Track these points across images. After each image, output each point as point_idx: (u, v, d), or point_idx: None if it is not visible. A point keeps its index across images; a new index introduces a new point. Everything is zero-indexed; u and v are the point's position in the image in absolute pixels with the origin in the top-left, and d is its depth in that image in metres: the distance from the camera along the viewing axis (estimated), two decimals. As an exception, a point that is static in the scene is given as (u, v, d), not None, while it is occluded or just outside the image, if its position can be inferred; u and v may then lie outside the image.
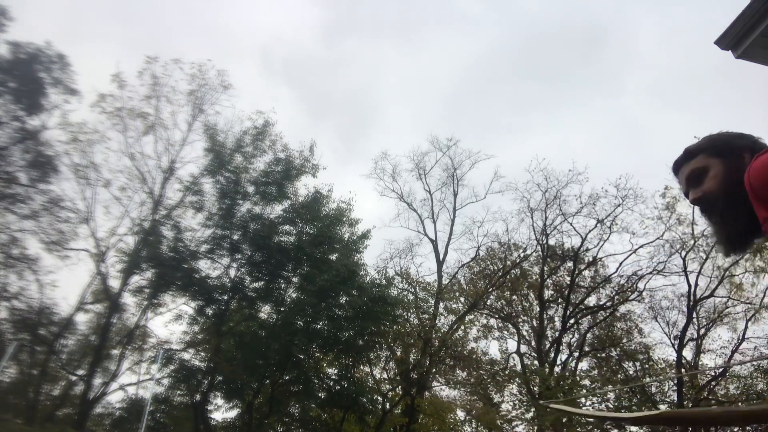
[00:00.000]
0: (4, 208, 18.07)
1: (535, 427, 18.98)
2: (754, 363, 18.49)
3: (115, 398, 20.31)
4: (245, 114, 33.01)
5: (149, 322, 20.75)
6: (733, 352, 19.54)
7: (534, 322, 21.67)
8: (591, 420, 19.52)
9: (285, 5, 71.54)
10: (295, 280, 19.40)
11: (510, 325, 22.09)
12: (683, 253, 19.39)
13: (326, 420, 19.60)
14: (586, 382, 19.81)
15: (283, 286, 19.26)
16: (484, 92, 62.26)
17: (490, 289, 21.72)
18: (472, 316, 21.77)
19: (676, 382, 19.03)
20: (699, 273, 19.34)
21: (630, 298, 21.09)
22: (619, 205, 20.03)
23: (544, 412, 17.00)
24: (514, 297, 22.57)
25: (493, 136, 54.91)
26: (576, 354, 21.64)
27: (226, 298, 18.52)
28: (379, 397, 20.08)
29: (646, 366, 20.42)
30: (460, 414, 23.98)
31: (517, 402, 20.90)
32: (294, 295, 19.30)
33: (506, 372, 21.21)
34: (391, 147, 74.08)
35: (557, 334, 21.17)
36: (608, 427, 19.98)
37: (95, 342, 19.48)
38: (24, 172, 18.60)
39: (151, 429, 18.28)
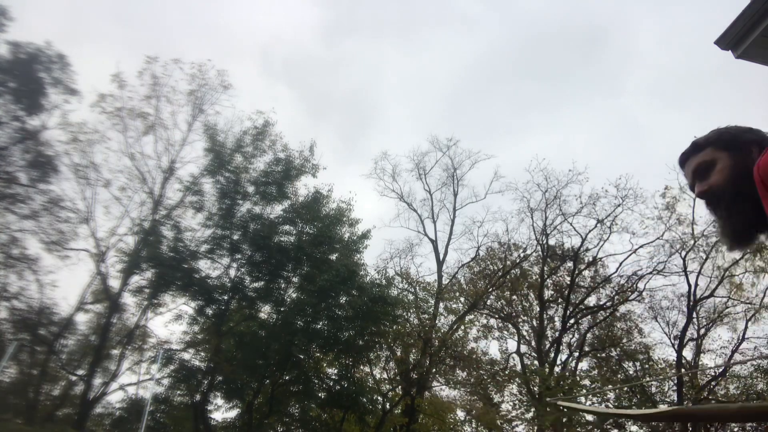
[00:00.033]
0: (4, 208, 18.09)
1: (535, 427, 18.99)
2: (754, 363, 18.51)
3: (115, 398, 20.34)
4: (245, 114, 33.01)
5: (149, 322, 20.79)
6: (733, 352, 19.56)
7: (534, 322, 21.67)
8: (595, 418, 19.52)
9: (285, 5, 71.56)
10: (295, 280, 19.40)
11: (510, 325, 22.10)
12: (683, 253, 19.42)
13: (326, 420, 19.60)
14: (586, 382, 19.83)
15: (283, 286, 19.27)
16: (484, 92, 62.28)
17: (490, 289, 21.72)
18: (472, 316, 21.78)
19: (676, 381, 19.05)
20: (699, 273, 19.38)
21: (630, 298, 21.10)
22: (619, 205, 20.06)
23: (544, 412, 17.01)
24: (514, 297, 22.58)
25: (493, 136, 54.92)
26: (576, 354, 21.66)
27: (226, 298, 18.52)
28: (379, 397, 20.09)
29: (646, 366, 20.43)
30: (460, 414, 24.02)
31: (517, 402, 20.91)
32: (294, 295, 19.31)
33: (506, 372, 21.22)
34: (391, 147, 74.12)
35: (557, 334, 21.19)
36: (608, 427, 19.99)
37: (95, 342, 19.48)
38: (24, 172, 18.62)
39: (151, 429, 18.28)
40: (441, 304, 21.42)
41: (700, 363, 19.77)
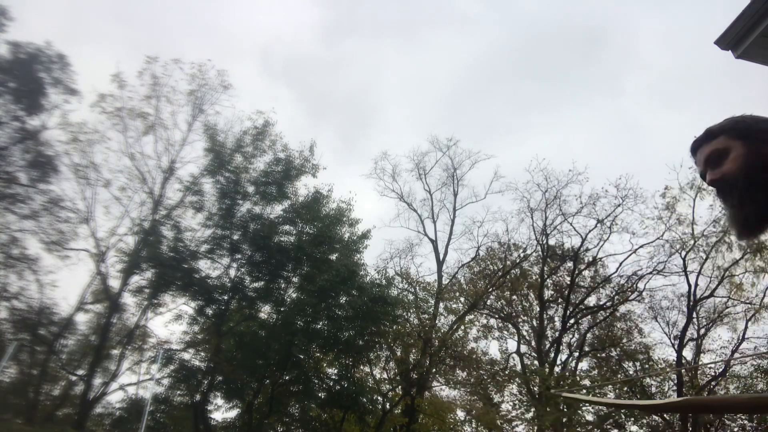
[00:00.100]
0: (4, 208, 18.09)
1: (535, 427, 18.99)
2: (754, 363, 18.51)
3: (115, 398, 20.34)
4: (245, 114, 32.99)
5: (149, 322, 20.79)
6: (733, 352, 19.55)
7: (534, 322, 21.68)
8: (595, 418, 19.52)
9: (285, 5, 71.56)
10: (295, 280, 19.40)
11: (510, 325, 22.10)
12: (683, 253, 19.42)
13: (326, 420, 19.60)
14: (586, 382, 19.83)
15: (283, 286, 19.27)
16: (484, 92, 62.29)
17: (490, 289, 21.72)
18: (472, 316, 21.77)
19: (676, 381, 19.05)
20: (699, 273, 19.38)
21: (630, 298, 21.10)
22: (619, 205, 20.07)
23: (544, 412, 17.01)
24: (514, 297, 22.58)
25: (493, 136, 54.93)
26: (576, 354, 21.66)
27: (226, 298, 18.52)
28: (379, 397, 20.09)
29: (646, 366, 20.43)
30: (460, 414, 24.01)
31: (517, 402, 20.92)
32: (294, 295, 19.31)
33: (506, 372, 21.22)
34: (391, 147, 74.09)
35: (557, 334, 21.19)
36: (608, 427, 19.99)
37: (95, 342, 19.48)
38: (24, 172, 18.62)
39: (151, 429, 18.28)
40: (441, 304, 21.42)
41: (700, 363, 19.77)
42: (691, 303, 19.54)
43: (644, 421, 20.06)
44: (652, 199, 20.58)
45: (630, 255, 20.22)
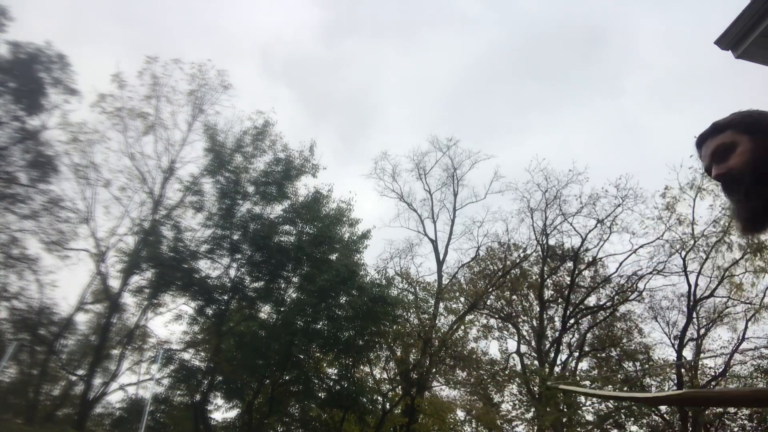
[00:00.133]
0: (4, 208, 18.08)
1: (535, 427, 18.99)
2: (754, 363, 18.51)
3: (115, 398, 20.34)
4: (245, 114, 33.02)
5: (149, 322, 20.79)
6: (733, 352, 19.55)
7: (534, 322, 21.67)
8: (595, 417, 19.51)
9: (285, 5, 71.57)
10: (295, 280, 19.40)
11: (510, 325, 22.09)
12: (683, 253, 19.40)
13: (326, 420, 19.60)
14: (586, 382, 19.82)
15: (283, 286, 19.27)
16: (484, 92, 62.31)
17: (490, 289, 21.72)
18: (472, 316, 21.77)
19: (676, 381, 19.04)
20: (699, 273, 19.36)
21: (630, 298, 21.09)
22: (619, 205, 20.06)
23: (544, 412, 17.01)
24: (514, 297, 22.57)
25: (493, 136, 54.94)
26: (576, 354, 21.65)
27: (226, 298, 18.52)
28: (379, 397, 20.08)
29: (646, 366, 20.43)
30: (460, 414, 24.01)
31: (517, 402, 20.91)
32: (294, 295, 19.30)
33: (506, 372, 21.21)
34: (391, 147, 74.09)
35: (557, 334, 21.18)
36: (608, 427, 19.99)
37: (95, 342, 19.47)
38: (24, 172, 18.63)
39: (151, 429, 18.27)
40: (441, 304, 21.42)
41: (700, 363, 19.76)
42: (691, 303, 19.54)
43: (644, 421, 20.06)
44: (652, 199, 20.59)
45: (630, 255, 20.24)
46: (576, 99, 58.81)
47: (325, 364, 20.43)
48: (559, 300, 21.87)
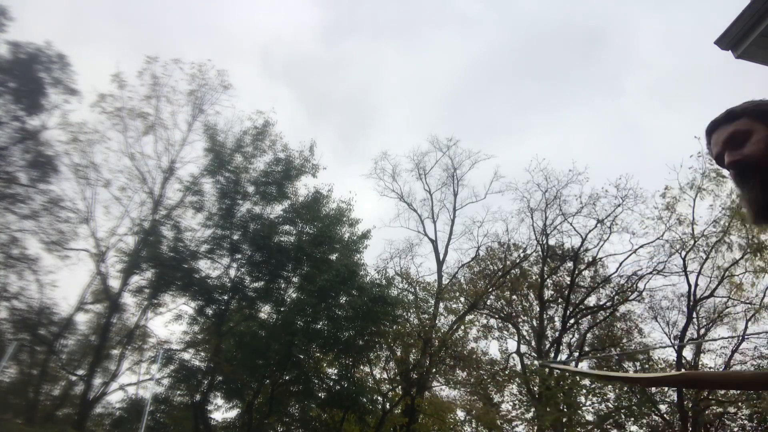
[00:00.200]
0: (4, 208, 18.08)
1: (535, 427, 18.99)
2: (754, 363, 18.49)
3: (115, 398, 20.30)
4: (245, 114, 32.94)
5: (149, 322, 20.76)
6: (733, 352, 19.55)
7: (534, 322, 21.67)
8: (595, 417, 19.49)
9: (285, 6, 71.59)
10: (295, 280, 19.40)
11: (510, 325, 22.10)
12: (683, 253, 19.40)
13: (326, 420, 19.60)
14: (586, 382, 19.81)
15: (283, 286, 19.27)
16: (484, 92, 62.34)
17: (490, 289, 21.72)
18: (472, 316, 21.77)
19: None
20: (699, 273, 19.36)
21: (630, 298, 21.10)
22: (619, 205, 20.07)
23: (544, 412, 17.00)
24: (514, 297, 22.58)
25: (492, 136, 54.96)
26: (576, 354, 21.64)
27: (226, 298, 18.52)
28: (379, 397, 20.08)
29: (646, 366, 20.42)
30: (460, 414, 24.00)
31: (517, 402, 20.91)
32: (294, 295, 19.30)
33: (506, 372, 21.22)
34: (391, 147, 74.09)
35: (557, 334, 21.19)
36: (608, 427, 19.98)
37: (95, 342, 19.46)
38: (24, 172, 18.61)
39: (151, 429, 18.27)
40: (441, 304, 21.42)
41: (700, 363, 19.76)
42: (691, 303, 19.54)
43: (644, 421, 20.06)
44: (652, 199, 20.58)
45: (630, 255, 20.24)
46: (576, 99, 58.86)
47: (325, 364, 20.43)
48: (559, 300, 21.88)
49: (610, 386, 20.09)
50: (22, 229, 18.56)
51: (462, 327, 21.20)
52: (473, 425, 23.61)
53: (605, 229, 20.48)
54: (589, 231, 20.67)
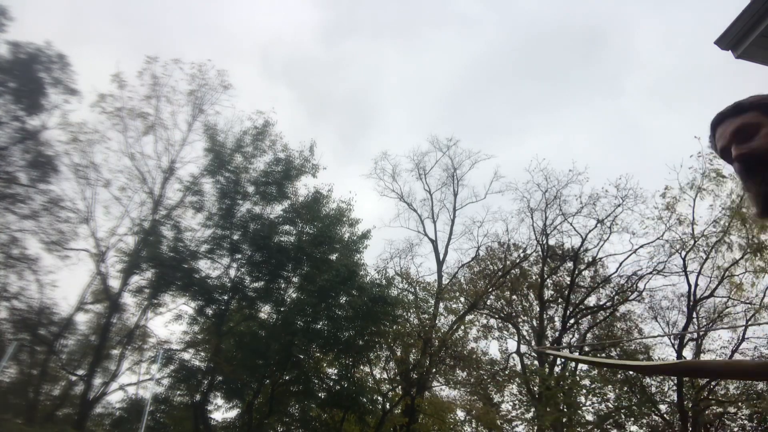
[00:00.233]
0: (4, 208, 18.07)
1: (535, 427, 18.99)
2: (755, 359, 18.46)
3: (115, 398, 20.30)
4: (245, 114, 32.93)
5: (149, 322, 20.75)
6: (733, 352, 19.55)
7: (534, 322, 21.68)
8: (595, 417, 19.48)
9: (285, 6, 71.59)
10: (295, 280, 19.40)
11: (510, 325, 22.10)
12: (683, 253, 19.41)
13: (326, 420, 19.60)
14: (586, 381, 19.83)
15: (283, 286, 19.27)
16: (484, 92, 62.34)
17: (490, 289, 21.72)
18: (472, 316, 21.78)
19: (676, 381, 19.03)
20: (699, 273, 19.37)
21: (630, 298, 21.11)
22: (619, 205, 20.08)
23: (544, 412, 16.99)
24: (514, 297, 22.58)
25: (492, 136, 54.98)
26: (576, 354, 21.65)
27: (226, 298, 18.52)
28: (379, 397, 20.08)
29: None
30: (460, 414, 23.99)
31: (517, 402, 20.91)
32: (294, 295, 19.31)
33: (506, 372, 21.22)
34: (391, 147, 74.08)
35: (557, 334, 21.19)
36: (608, 427, 19.98)
37: (95, 342, 19.47)
38: (24, 172, 18.61)
39: (151, 429, 18.27)
40: (441, 304, 21.42)
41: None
42: (691, 303, 19.54)
43: (644, 421, 20.06)
44: (652, 199, 20.58)
45: (630, 255, 20.25)
46: (576, 99, 58.88)
47: (325, 364, 20.44)
48: (559, 300, 21.88)
49: (610, 386, 20.09)
50: (22, 229, 18.57)
51: (462, 327, 21.21)
52: (473, 425, 23.60)
53: (605, 229, 20.51)
54: (589, 231, 20.71)
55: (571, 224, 20.93)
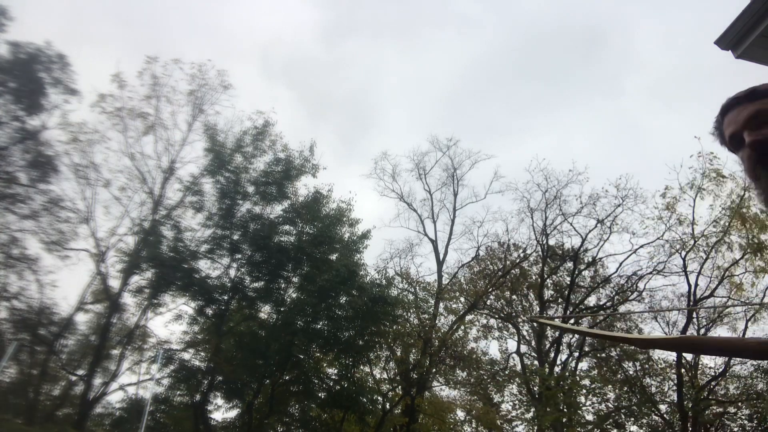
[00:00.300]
0: (4, 208, 18.08)
1: (535, 427, 18.99)
2: (754, 363, 18.48)
3: (115, 398, 20.32)
4: (245, 114, 33.04)
5: (149, 322, 20.76)
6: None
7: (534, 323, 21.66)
8: (595, 418, 19.47)
9: (285, 6, 71.60)
10: (295, 280, 19.40)
11: (510, 325, 22.10)
12: (683, 253, 19.40)
13: (326, 420, 19.60)
14: (586, 381, 19.84)
15: (283, 286, 19.27)
16: (484, 93, 62.35)
17: (490, 289, 21.72)
18: (472, 316, 21.78)
19: (676, 381, 19.03)
20: (699, 273, 19.36)
21: (630, 298, 21.10)
22: (619, 205, 20.07)
23: (544, 412, 16.99)
24: (514, 297, 22.58)
25: (492, 136, 54.99)
26: (576, 354, 21.65)
27: (226, 298, 18.52)
28: (379, 397, 20.08)
29: (646, 366, 20.43)
30: (460, 414, 24.00)
31: (517, 402, 20.91)
32: (294, 295, 19.31)
33: (506, 372, 21.22)
34: (391, 147, 74.05)
35: (557, 334, 21.17)
36: (608, 427, 19.99)
37: (95, 342, 19.47)
38: (24, 172, 18.63)
39: (151, 429, 18.28)
40: (441, 304, 21.42)
41: (700, 364, 19.76)
42: (691, 303, 19.54)
43: (644, 420, 20.05)
44: (652, 199, 20.57)
45: (630, 255, 20.24)
46: (576, 99, 58.91)
47: (325, 364, 20.43)
48: (559, 300, 21.88)
49: (609, 386, 20.09)
50: (22, 229, 18.59)
51: (462, 327, 21.20)
52: (473, 425, 23.61)
53: (605, 229, 20.50)
54: (589, 231, 20.70)
55: (571, 224, 20.95)
